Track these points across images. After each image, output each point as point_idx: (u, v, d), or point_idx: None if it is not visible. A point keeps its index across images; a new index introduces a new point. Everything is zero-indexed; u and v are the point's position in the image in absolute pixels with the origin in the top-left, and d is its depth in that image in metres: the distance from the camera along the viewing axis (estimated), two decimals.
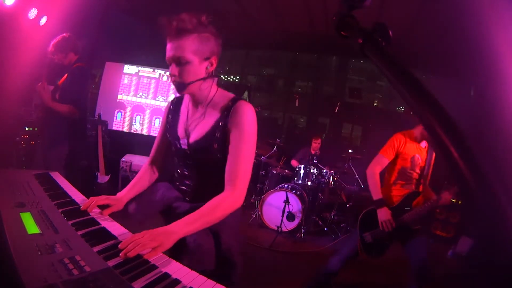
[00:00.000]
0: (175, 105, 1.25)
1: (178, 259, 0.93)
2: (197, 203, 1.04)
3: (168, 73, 4.26)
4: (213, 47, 1.05)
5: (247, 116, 1.06)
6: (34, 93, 2.21)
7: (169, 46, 1.02)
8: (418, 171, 2.01)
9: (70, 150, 2.42)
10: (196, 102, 1.14)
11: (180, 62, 1.01)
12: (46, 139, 2.35)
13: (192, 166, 1.15)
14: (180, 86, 1.05)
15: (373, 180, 1.97)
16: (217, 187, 1.06)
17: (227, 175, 1.05)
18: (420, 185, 2.03)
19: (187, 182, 1.17)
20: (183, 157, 1.16)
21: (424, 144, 2.05)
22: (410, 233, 1.93)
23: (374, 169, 1.99)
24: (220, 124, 1.07)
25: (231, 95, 1.14)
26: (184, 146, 1.13)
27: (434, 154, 2.04)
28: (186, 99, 1.22)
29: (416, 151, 2.00)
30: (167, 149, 1.29)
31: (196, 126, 1.12)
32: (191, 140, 1.12)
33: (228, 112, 1.07)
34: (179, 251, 0.99)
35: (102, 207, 1.09)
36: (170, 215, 1.13)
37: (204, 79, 1.07)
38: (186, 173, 1.17)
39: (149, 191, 1.24)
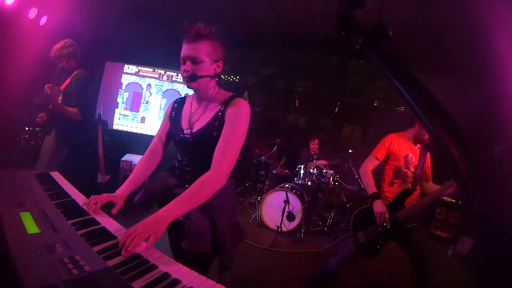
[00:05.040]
0: (179, 104, 1.39)
1: (175, 243, 0.96)
2: None
3: (168, 73, 4.29)
4: (221, 53, 1.25)
5: (242, 108, 1.21)
6: (41, 93, 2.30)
7: (186, 46, 1.19)
8: (412, 169, 2.05)
9: (70, 150, 2.56)
10: (200, 99, 1.30)
11: (195, 61, 1.18)
12: (51, 139, 2.47)
13: (193, 154, 1.27)
14: (192, 77, 1.19)
15: (366, 176, 2.06)
16: None
17: (215, 156, 1.14)
18: (416, 184, 2.04)
19: (188, 169, 1.27)
20: (185, 146, 1.27)
21: (417, 144, 2.10)
22: (405, 231, 1.94)
23: (367, 168, 2.08)
24: (219, 115, 1.22)
25: (229, 93, 1.30)
26: (188, 136, 1.26)
27: (428, 155, 2.09)
28: (189, 99, 1.37)
29: (409, 151, 2.06)
30: (167, 144, 1.41)
31: (199, 118, 1.27)
32: (194, 129, 1.25)
33: (226, 105, 1.23)
34: (177, 235, 1.08)
35: (105, 205, 1.13)
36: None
37: (211, 77, 1.23)
38: (187, 160, 1.28)
39: (150, 182, 1.33)
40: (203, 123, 1.24)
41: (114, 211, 1.15)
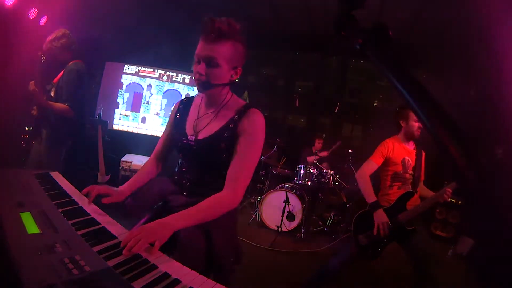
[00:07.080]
0: (185, 104, 1.29)
1: (168, 254, 0.93)
2: (194, 198, 1.06)
3: (168, 73, 4.29)
4: (241, 58, 1.12)
5: (257, 124, 1.11)
6: (28, 91, 2.15)
7: (204, 45, 1.05)
8: (410, 171, 2.04)
9: (67, 150, 2.38)
10: (211, 104, 1.19)
11: (211, 64, 1.05)
12: (42, 139, 2.30)
13: (195, 162, 1.19)
14: (205, 85, 1.09)
15: (365, 183, 1.98)
16: (215, 184, 1.08)
17: (229, 175, 1.07)
18: (417, 186, 2.04)
19: (188, 177, 1.19)
20: (188, 153, 1.19)
21: (412, 146, 2.10)
22: (406, 234, 1.93)
23: (365, 173, 2.01)
24: (230, 126, 1.11)
25: (243, 102, 1.20)
26: (192, 142, 1.16)
27: (423, 154, 2.09)
28: (198, 99, 1.27)
29: (405, 154, 2.04)
30: (172, 146, 1.32)
31: (207, 125, 1.16)
32: (200, 137, 1.15)
33: (239, 116, 1.12)
34: (170, 246, 0.98)
35: (102, 196, 1.11)
36: (165, 208, 1.15)
37: (225, 85, 1.12)
38: (188, 168, 1.20)
39: (146, 185, 1.27)
40: (211, 132, 1.13)
41: (105, 200, 1.09)
